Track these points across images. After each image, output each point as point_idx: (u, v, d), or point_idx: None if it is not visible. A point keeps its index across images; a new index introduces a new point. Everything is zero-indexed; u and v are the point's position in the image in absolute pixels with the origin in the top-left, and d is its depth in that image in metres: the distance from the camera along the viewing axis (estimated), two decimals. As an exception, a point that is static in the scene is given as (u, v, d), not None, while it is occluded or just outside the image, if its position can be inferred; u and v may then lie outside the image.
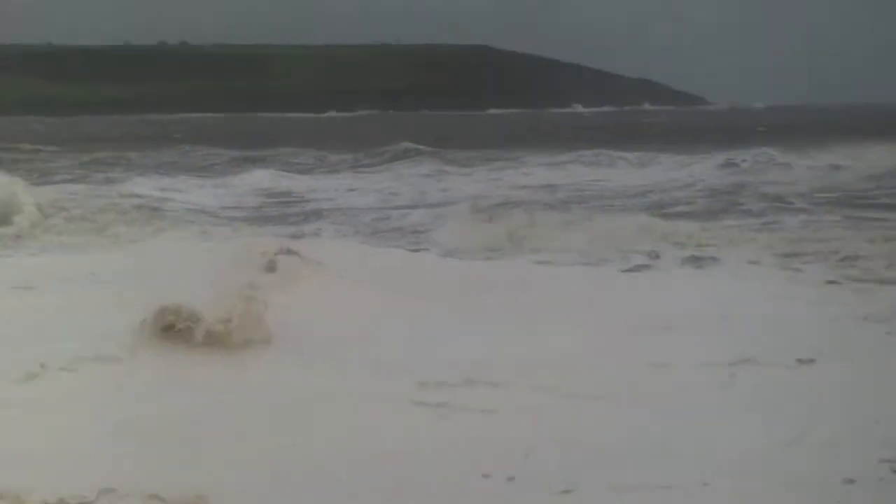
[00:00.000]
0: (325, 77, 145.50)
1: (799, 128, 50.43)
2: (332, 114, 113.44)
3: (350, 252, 11.88)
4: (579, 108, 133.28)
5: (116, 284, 8.98)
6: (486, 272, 10.95)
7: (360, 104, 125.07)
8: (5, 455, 4.76)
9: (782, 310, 8.71)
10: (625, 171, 26.57)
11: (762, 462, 4.96)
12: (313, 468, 4.89)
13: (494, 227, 13.85)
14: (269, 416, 5.68)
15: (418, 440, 5.34)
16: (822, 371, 6.64)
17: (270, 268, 8.86)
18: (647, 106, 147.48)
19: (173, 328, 6.72)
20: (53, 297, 8.60)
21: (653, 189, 21.13)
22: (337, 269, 9.36)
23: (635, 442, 5.29)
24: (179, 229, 15.05)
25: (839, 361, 6.89)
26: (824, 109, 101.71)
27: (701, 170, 25.19)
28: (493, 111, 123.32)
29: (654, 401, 6.02)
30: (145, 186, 21.78)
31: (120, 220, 15.91)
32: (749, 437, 5.35)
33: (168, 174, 25.79)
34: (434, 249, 12.99)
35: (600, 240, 12.83)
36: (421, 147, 34.32)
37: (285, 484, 4.70)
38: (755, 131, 48.26)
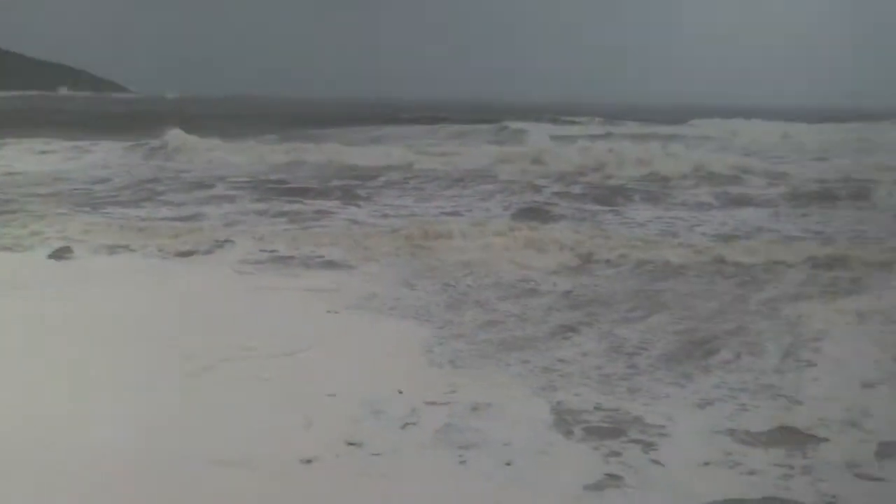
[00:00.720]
0: None
1: (212, 117, 51.62)
2: None
3: None
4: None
5: None
6: None
7: None
8: None
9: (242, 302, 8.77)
10: (35, 158, 24.94)
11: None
12: None
13: None
14: None
15: None
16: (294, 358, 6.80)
17: None
18: (64, 91, 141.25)
19: None
20: None
21: (69, 177, 20.09)
22: None
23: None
24: None
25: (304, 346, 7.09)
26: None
27: (117, 157, 24.99)
28: None
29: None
30: None
31: None
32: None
33: None
34: None
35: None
36: None
37: None
38: (167, 119, 48.47)
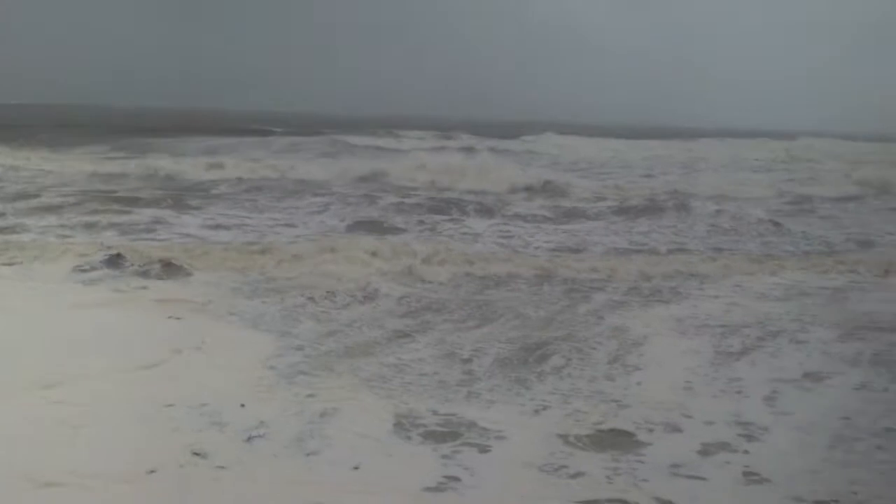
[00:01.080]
0: None
1: (37, 126, 49.36)
2: None
3: None
4: None
5: None
6: None
7: None
8: None
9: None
10: None
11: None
12: None
13: None
14: None
15: None
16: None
17: None
18: None
19: None
20: None
21: None
22: None
23: None
24: None
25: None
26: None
27: None
28: None
29: None
30: None
31: None
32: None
33: None
34: None
35: None
36: None
37: None
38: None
